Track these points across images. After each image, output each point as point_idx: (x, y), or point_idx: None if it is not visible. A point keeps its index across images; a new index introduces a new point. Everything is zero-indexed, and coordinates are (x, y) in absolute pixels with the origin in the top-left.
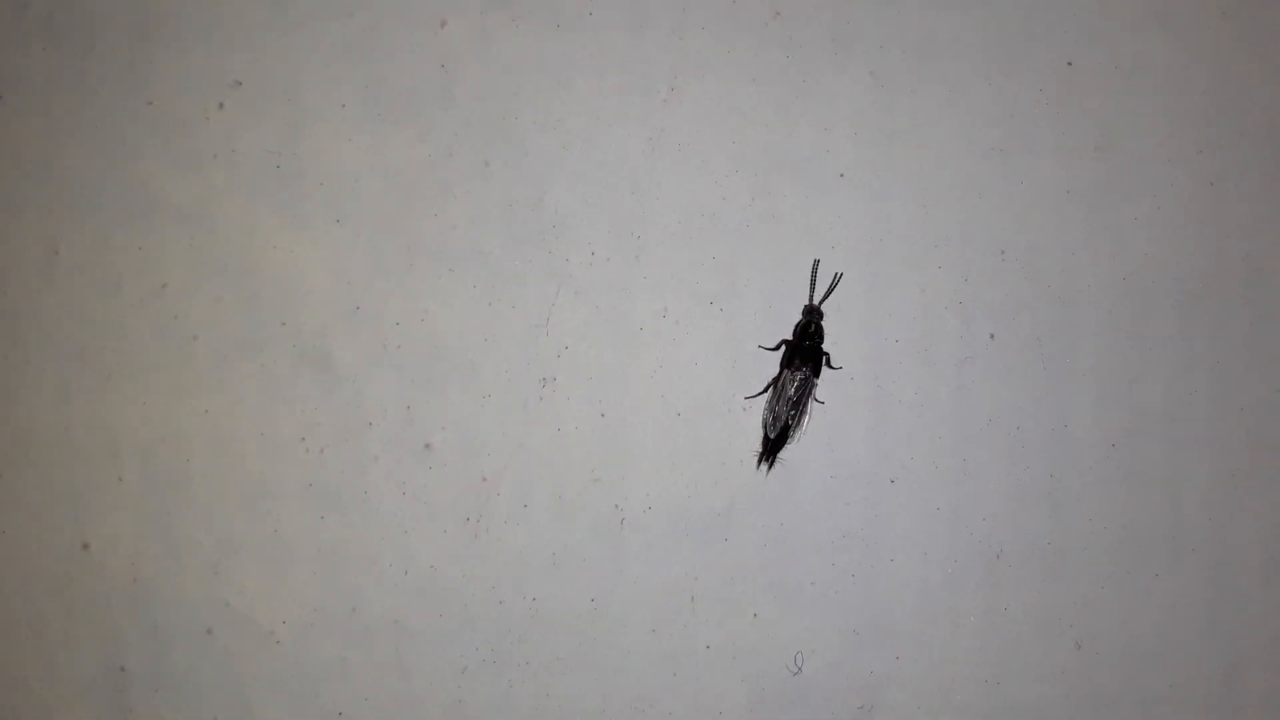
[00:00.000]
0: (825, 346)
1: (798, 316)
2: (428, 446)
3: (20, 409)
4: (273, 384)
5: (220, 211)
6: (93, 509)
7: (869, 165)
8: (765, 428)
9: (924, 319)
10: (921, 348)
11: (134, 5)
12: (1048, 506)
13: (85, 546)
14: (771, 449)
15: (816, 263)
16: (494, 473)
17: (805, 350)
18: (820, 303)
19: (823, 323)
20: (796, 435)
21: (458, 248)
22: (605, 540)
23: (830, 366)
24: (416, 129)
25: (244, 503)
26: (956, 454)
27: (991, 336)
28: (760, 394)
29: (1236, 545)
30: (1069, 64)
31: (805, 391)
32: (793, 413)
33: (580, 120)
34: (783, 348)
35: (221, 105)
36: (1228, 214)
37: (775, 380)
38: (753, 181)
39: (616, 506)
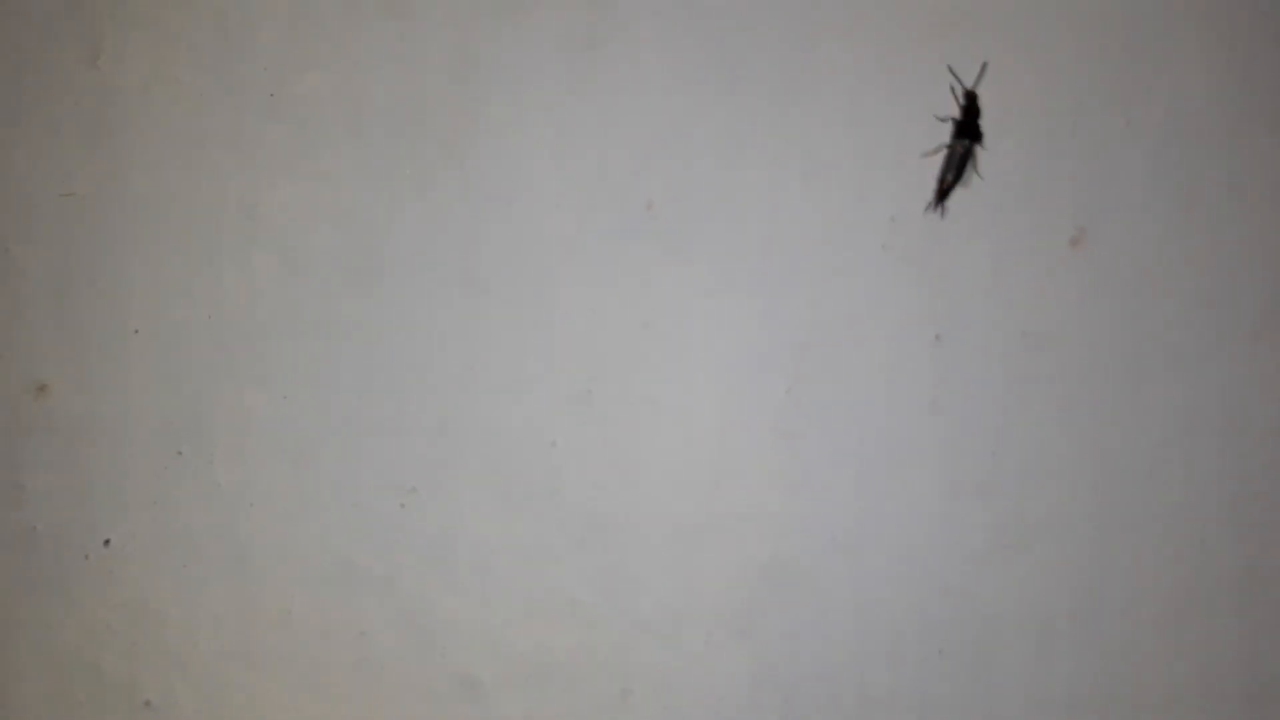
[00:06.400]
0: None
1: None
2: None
3: (256, 469)
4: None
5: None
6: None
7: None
8: (940, 180)
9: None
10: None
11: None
12: (942, 515)
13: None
14: (941, 197)
15: (949, 67)
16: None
17: (967, 126)
18: (974, 87)
19: (978, 103)
20: (959, 186)
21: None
22: (675, 543)
23: (981, 146)
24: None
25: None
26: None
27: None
28: (935, 153)
29: (1073, 539)
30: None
31: (968, 156)
32: (959, 170)
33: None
34: (950, 123)
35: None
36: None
37: (948, 146)
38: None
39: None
